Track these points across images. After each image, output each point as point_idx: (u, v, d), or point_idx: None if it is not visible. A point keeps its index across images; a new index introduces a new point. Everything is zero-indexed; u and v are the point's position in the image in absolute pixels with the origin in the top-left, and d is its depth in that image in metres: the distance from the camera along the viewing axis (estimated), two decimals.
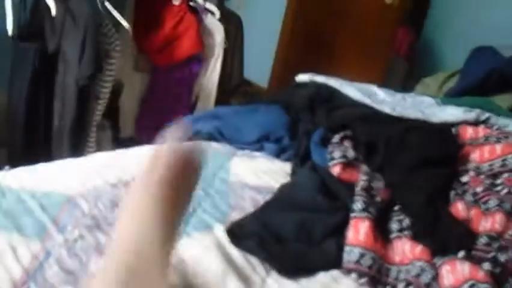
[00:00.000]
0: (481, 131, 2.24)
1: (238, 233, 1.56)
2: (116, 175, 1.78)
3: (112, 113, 3.45)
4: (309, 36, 4.54)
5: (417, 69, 4.49)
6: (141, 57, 3.50)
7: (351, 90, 2.40)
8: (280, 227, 1.62)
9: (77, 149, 3.08)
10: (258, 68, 4.36)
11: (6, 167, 1.78)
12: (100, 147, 3.21)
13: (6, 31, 2.70)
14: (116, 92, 3.36)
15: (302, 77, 2.55)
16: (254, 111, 2.33)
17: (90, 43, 2.81)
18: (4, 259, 1.33)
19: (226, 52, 3.69)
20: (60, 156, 1.81)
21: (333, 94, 2.38)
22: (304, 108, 2.27)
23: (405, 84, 4.19)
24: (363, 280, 1.49)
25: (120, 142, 3.45)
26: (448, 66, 4.05)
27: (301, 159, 2.01)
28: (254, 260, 1.49)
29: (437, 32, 4.66)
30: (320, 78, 2.49)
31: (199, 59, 3.59)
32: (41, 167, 1.82)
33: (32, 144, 3.04)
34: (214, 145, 2.11)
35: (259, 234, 1.56)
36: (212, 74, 3.67)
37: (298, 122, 2.25)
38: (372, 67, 4.28)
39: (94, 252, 1.40)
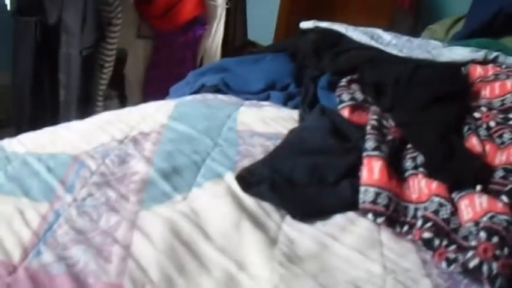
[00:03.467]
0: (490, 69, 2.17)
1: (249, 179, 1.50)
2: (122, 131, 1.73)
3: (118, 82, 3.42)
4: None
5: (421, 22, 4.41)
6: (143, 24, 3.44)
7: (357, 34, 2.33)
8: (291, 171, 1.56)
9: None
10: (262, 27, 4.30)
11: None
12: None
13: (5, 6, 2.67)
14: (121, 61, 3.31)
15: (306, 24, 2.49)
16: (259, 61, 2.27)
17: (91, 12, 2.78)
18: (12, 223, 1.27)
19: (228, 13, 3.62)
20: None
21: (338, 39, 2.31)
22: (309, 54, 2.21)
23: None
24: (381, 220, 1.45)
25: None
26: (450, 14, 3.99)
27: (308, 105, 1.95)
28: (268, 206, 1.44)
29: None
30: (325, 24, 2.43)
31: (201, 21, 3.54)
32: (46, 131, 1.78)
33: (39, 119, 3.00)
34: (221, 97, 2.06)
35: (271, 179, 1.50)
36: (215, 36, 3.61)
37: (304, 68, 2.19)
38: (375, 21, 4.21)
39: (105, 209, 1.35)
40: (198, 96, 2.05)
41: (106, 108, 3.26)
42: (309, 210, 1.45)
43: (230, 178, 1.52)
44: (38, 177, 1.47)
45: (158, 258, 1.19)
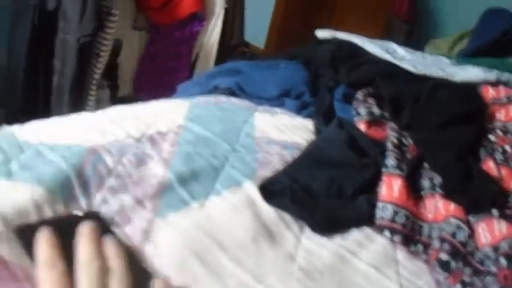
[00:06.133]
0: (502, 90, 2.14)
1: (270, 190, 1.46)
2: (138, 128, 1.66)
3: (110, 71, 3.38)
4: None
5: (417, 32, 4.42)
6: (140, 15, 3.40)
7: (372, 47, 2.30)
8: (311, 182, 1.53)
9: (76, 107, 3.02)
10: (255, 28, 4.27)
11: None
12: (99, 106, 3.14)
13: None
14: (115, 51, 3.29)
15: (323, 33, 2.46)
16: (274, 67, 2.22)
17: (91, 0, 2.74)
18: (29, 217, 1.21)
19: (226, 11, 3.60)
20: (60, 115, 1.75)
21: (355, 51, 2.27)
22: (326, 64, 2.17)
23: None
24: (398, 238, 1.43)
25: (118, 101, 3.39)
26: (449, 29, 3.99)
27: (323, 115, 1.92)
28: (287, 217, 1.40)
29: None
30: (342, 35, 2.40)
31: (199, 18, 3.52)
32: (57, 121, 1.71)
33: (31, 103, 2.99)
34: (234, 100, 2.00)
35: (292, 190, 1.46)
36: (212, 34, 3.59)
37: (319, 78, 2.15)
38: (370, 28, 4.20)
39: (118, 218, 1.29)
40: (211, 98, 1.99)
41: (97, 96, 3.24)
42: (329, 223, 1.42)
43: (249, 187, 1.47)
44: (53, 166, 1.39)
45: (170, 271, 1.15)
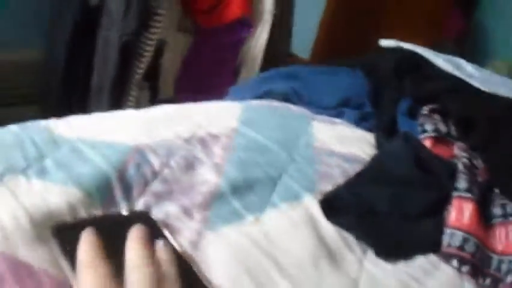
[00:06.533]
0: None
1: (332, 206, 1.34)
2: (188, 129, 1.55)
3: (152, 72, 3.28)
4: (355, 8, 4.34)
5: (467, 54, 4.31)
6: (186, 18, 3.33)
7: (441, 61, 2.18)
8: (374, 202, 1.41)
9: (115, 108, 2.93)
10: (300, 39, 4.18)
11: None
12: (138, 107, 3.06)
13: None
14: (158, 52, 3.20)
15: (387, 42, 2.35)
16: (334, 74, 2.12)
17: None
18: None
19: (275, 19, 3.49)
20: None
21: (421, 63, 2.16)
22: (390, 75, 2.06)
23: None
24: (466, 268, 1.29)
25: (158, 103, 3.31)
26: (501, 52, 3.90)
27: (385, 129, 1.81)
28: (349, 238, 1.28)
29: (490, 16, 4.47)
30: (407, 45, 2.28)
31: (246, 24, 3.41)
32: (97, 116, 1.61)
33: (68, 101, 2.93)
34: (291, 107, 1.89)
35: (357, 209, 1.35)
36: (259, 41, 3.49)
37: (381, 89, 2.03)
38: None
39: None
40: (266, 103, 1.89)
41: (137, 97, 3.17)
42: (394, 248, 1.30)
43: (309, 202, 1.35)
44: (92, 165, 1.28)
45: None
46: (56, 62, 2.91)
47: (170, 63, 3.43)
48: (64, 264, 0.99)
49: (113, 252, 0.98)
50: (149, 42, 2.96)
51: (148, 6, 2.82)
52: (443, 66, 2.15)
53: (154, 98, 3.42)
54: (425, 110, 1.84)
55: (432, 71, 2.12)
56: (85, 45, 2.89)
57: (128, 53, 2.91)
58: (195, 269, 1.05)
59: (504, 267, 1.34)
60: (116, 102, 3.00)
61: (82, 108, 2.96)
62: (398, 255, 1.28)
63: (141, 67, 3.04)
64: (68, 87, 2.98)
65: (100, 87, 2.94)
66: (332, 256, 1.21)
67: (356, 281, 1.17)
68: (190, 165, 1.40)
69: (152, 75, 3.34)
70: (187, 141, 1.50)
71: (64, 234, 1.04)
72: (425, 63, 2.16)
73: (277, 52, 3.67)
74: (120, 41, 2.80)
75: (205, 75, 3.43)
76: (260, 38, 3.50)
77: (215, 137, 1.55)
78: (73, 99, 2.99)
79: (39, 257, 1.00)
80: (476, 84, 2.06)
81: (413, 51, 2.24)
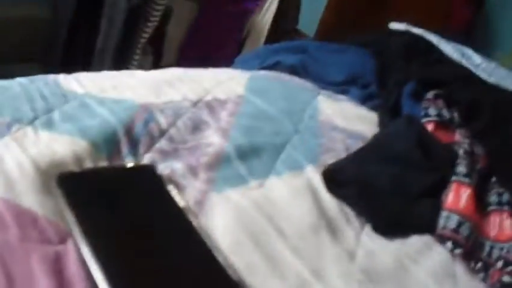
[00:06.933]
0: None
1: (334, 179, 1.36)
2: (195, 92, 1.57)
3: (156, 38, 3.27)
4: None
5: (474, 46, 4.31)
6: None
7: (449, 48, 2.20)
8: (375, 178, 1.43)
9: (118, 70, 2.94)
10: (307, 16, 4.19)
11: None
12: None
13: None
14: (164, 18, 3.18)
15: (397, 25, 2.38)
16: (343, 52, 2.14)
17: None
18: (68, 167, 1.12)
19: None
20: None
21: (429, 48, 2.18)
22: (398, 57, 2.08)
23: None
24: (458, 251, 1.31)
25: (160, 68, 3.32)
26: (508, 45, 3.90)
27: (389, 110, 1.83)
28: (348, 211, 1.30)
29: (498, 8, 4.47)
30: (417, 30, 2.30)
31: None
32: (106, 75, 1.63)
33: (71, 62, 2.91)
34: (297, 79, 1.91)
35: (357, 183, 1.37)
36: (266, 13, 3.49)
37: (388, 70, 2.05)
38: None
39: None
40: (273, 73, 1.91)
41: (140, 62, 3.14)
42: (391, 225, 1.32)
43: (311, 172, 1.37)
44: (100, 119, 1.30)
45: (224, 249, 1.06)
46: (61, 20, 2.88)
47: (176, 30, 3.43)
48: (67, 213, 1.01)
49: (116, 202, 1.02)
50: (158, 7, 2.94)
51: None
52: (451, 53, 2.17)
53: (157, 64, 3.43)
54: (429, 94, 1.86)
55: (440, 57, 2.14)
56: (92, 6, 2.89)
57: (135, 17, 2.89)
58: (197, 225, 1.08)
59: (495, 253, 1.37)
60: (119, 65, 2.98)
61: (84, 68, 2.97)
62: (395, 232, 1.30)
63: (147, 32, 3.02)
64: (72, 46, 2.93)
65: (104, 49, 2.91)
66: (331, 227, 1.23)
67: (353, 253, 1.19)
68: (196, 127, 1.42)
69: (157, 40, 3.36)
70: (195, 104, 1.52)
71: (68, 183, 1.07)
72: (434, 49, 2.18)
73: (284, 27, 3.68)
74: (128, 4, 2.78)
75: (209, 44, 3.42)
76: (268, 11, 3.50)
77: (222, 102, 1.57)
78: (75, 59, 2.99)
79: (43, 205, 1.02)
80: (482, 74, 2.09)
81: (422, 36, 2.25)
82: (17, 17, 2.94)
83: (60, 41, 2.89)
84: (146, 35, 3.03)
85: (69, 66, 2.86)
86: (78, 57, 2.96)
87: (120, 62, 2.99)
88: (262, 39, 3.53)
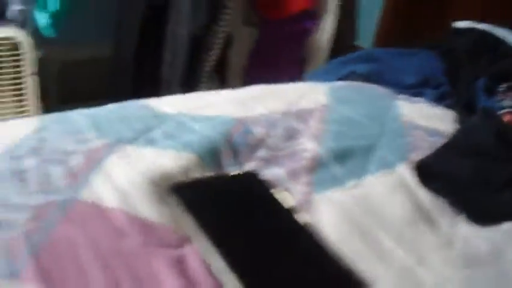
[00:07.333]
0: None
1: (425, 173, 1.44)
2: (283, 105, 1.68)
3: (219, 65, 3.35)
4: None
5: None
6: (250, 10, 3.37)
7: None
8: (459, 171, 1.49)
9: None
10: (363, 30, 4.24)
11: None
12: None
13: None
14: (225, 45, 3.23)
15: (462, 24, 2.41)
16: (413, 55, 2.21)
17: None
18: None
19: (340, 10, 3.51)
20: None
21: (497, 43, 2.21)
22: (466, 55, 2.13)
23: None
24: None
25: None
26: None
27: (464, 106, 1.88)
28: (441, 203, 1.38)
29: None
30: (482, 26, 2.33)
31: (311, 15, 3.43)
32: (193, 95, 1.77)
33: (139, 95, 2.99)
34: (374, 86, 2.00)
35: (445, 176, 1.45)
36: (324, 32, 3.50)
37: (457, 69, 2.10)
38: None
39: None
40: (350, 83, 2.01)
41: (207, 90, 3.21)
42: (483, 213, 1.39)
43: (403, 169, 1.46)
44: (199, 134, 1.43)
45: (334, 246, 1.14)
46: (124, 58, 2.98)
47: (238, 56, 3.47)
48: (186, 219, 1.11)
49: (228, 205, 1.11)
50: (218, 35, 3.00)
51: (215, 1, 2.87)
52: None
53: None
54: (502, 87, 1.91)
55: (508, 50, 2.17)
56: (152, 40, 2.97)
57: (197, 47, 2.96)
58: (305, 223, 1.17)
59: None
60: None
61: None
62: (486, 220, 1.36)
63: (210, 60, 3.07)
64: (138, 81, 2.95)
65: (170, 81, 2.98)
66: (427, 218, 1.31)
67: (450, 240, 1.27)
68: (290, 135, 1.53)
69: (221, 67, 3.44)
70: (284, 114, 1.63)
71: (182, 192, 1.17)
72: (501, 42, 2.21)
73: (343, 43, 3.71)
74: (190, 35, 2.81)
75: (271, 66, 3.43)
76: (326, 29, 3.54)
77: (309, 111, 1.67)
78: (143, 91, 3.05)
79: (159, 213, 1.14)
80: None
81: (488, 31, 2.29)
82: (84, 58, 3.04)
83: (126, 78, 2.97)
84: (210, 64, 3.09)
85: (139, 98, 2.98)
86: (146, 89, 3.02)
87: (188, 91, 3.05)
88: (323, 58, 3.56)
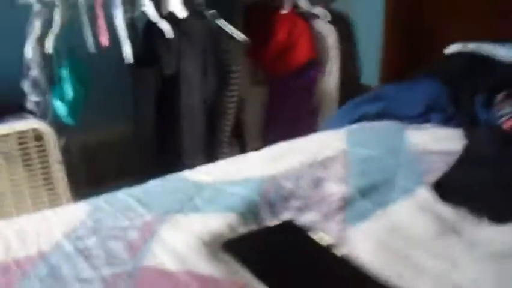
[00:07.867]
0: None
1: (444, 189, 1.60)
2: (306, 157, 1.87)
3: (236, 129, 3.39)
4: (414, 30, 4.38)
5: None
6: (257, 70, 3.46)
7: (504, 51, 2.41)
8: (474, 179, 1.66)
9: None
10: (365, 67, 4.28)
11: None
12: None
13: (121, 59, 2.69)
14: (238, 109, 3.30)
15: (453, 48, 2.56)
16: (414, 85, 2.38)
17: (211, 60, 2.84)
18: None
19: (341, 53, 3.55)
20: None
21: (488, 58, 2.39)
22: (463, 75, 2.30)
23: None
24: None
25: None
26: None
27: (470, 123, 2.06)
28: (462, 212, 1.53)
29: None
30: (471, 46, 2.50)
31: (315, 64, 3.49)
32: (222, 162, 1.98)
33: (163, 168, 3.06)
34: (385, 123, 2.20)
35: (463, 187, 1.62)
36: (330, 77, 3.55)
37: (457, 89, 2.27)
38: None
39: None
40: (364, 124, 2.21)
41: (228, 155, 3.27)
42: (501, 213, 1.53)
43: (422, 192, 1.63)
44: (238, 196, 1.62)
45: (372, 270, 1.30)
46: (145, 133, 3.06)
47: (252, 116, 3.54)
48: (242, 271, 1.29)
49: (275, 252, 1.25)
50: (231, 99, 3.07)
51: (223, 64, 2.93)
52: (506, 56, 2.38)
53: (244, 153, 3.55)
54: (499, 97, 2.08)
55: (496, 63, 2.35)
56: (170, 113, 2.99)
57: (213, 114, 3.02)
58: (344, 256, 1.35)
59: None
60: (211, 161, 3.13)
61: (179, 170, 3.11)
62: (506, 219, 1.50)
63: (228, 124, 3.14)
64: (161, 156, 3.07)
65: (192, 151, 3.04)
66: (452, 228, 1.47)
67: (478, 242, 1.42)
68: (317, 183, 1.72)
69: (238, 131, 3.46)
70: (310, 166, 1.82)
71: (234, 247, 1.34)
72: (493, 57, 2.40)
73: (350, 84, 3.76)
74: (203, 104, 2.92)
75: (286, 120, 3.50)
76: (332, 74, 3.56)
77: (332, 159, 1.86)
78: (168, 167, 3.12)
79: (219, 269, 1.29)
80: None
81: (476, 50, 2.46)
82: (103, 140, 3.16)
83: (150, 152, 3.08)
84: (228, 128, 3.17)
85: (164, 172, 3.04)
86: (170, 161, 3.10)
87: (209, 157, 3.06)
88: (334, 103, 3.55)
